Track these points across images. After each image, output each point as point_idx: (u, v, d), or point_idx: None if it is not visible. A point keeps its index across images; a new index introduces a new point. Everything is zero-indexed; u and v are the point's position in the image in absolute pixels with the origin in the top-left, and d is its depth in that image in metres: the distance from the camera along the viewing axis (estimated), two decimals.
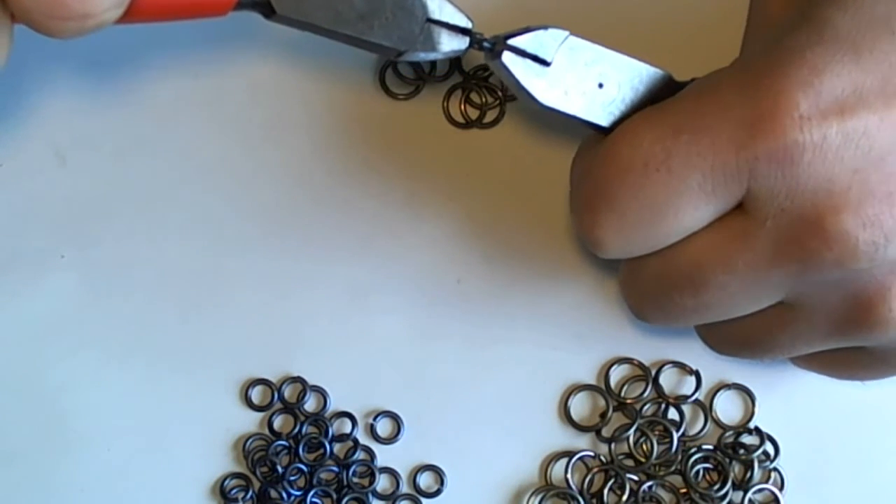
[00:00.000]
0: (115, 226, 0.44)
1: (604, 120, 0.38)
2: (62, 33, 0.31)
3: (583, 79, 0.37)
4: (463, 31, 0.37)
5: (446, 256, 0.44)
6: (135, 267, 0.44)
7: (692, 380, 0.44)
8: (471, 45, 0.37)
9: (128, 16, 0.32)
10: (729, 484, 0.43)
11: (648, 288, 0.39)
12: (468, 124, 0.44)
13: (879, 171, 0.33)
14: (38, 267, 0.44)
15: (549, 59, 0.37)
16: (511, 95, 0.44)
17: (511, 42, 0.37)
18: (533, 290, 0.44)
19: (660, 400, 0.44)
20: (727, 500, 0.43)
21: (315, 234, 0.44)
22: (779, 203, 0.34)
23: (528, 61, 0.37)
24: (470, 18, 0.37)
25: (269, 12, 0.35)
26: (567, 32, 0.37)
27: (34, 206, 0.44)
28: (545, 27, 0.37)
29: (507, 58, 0.37)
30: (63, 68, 0.44)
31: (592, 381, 0.44)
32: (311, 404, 0.44)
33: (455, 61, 0.44)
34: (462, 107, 0.44)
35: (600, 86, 0.38)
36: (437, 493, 0.44)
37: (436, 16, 0.36)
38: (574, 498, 0.43)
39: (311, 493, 0.43)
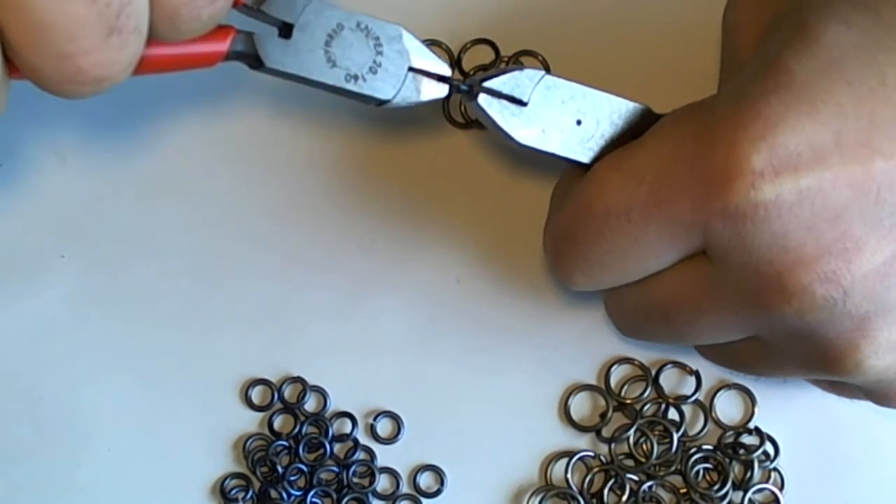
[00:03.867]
0: (115, 226, 0.44)
1: (583, 156, 0.38)
2: (78, 96, 0.31)
3: (560, 116, 0.38)
4: (442, 79, 0.38)
5: (446, 256, 0.44)
6: (135, 267, 0.44)
7: (692, 380, 0.44)
8: (450, 91, 0.38)
9: None
10: (729, 484, 0.43)
11: (628, 313, 0.40)
12: (468, 124, 0.44)
13: (835, 228, 0.32)
14: (38, 267, 0.44)
15: (525, 99, 0.37)
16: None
17: (486, 84, 0.37)
18: (533, 290, 0.44)
19: (660, 400, 0.44)
20: (727, 500, 0.43)
21: (315, 234, 0.44)
22: (737, 257, 0.34)
23: (505, 102, 0.37)
24: (450, 65, 0.38)
25: (255, 64, 0.36)
26: (543, 72, 0.38)
27: (34, 206, 0.44)
28: (521, 68, 0.38)
29: (483, 100, 0.37)
30: None
31: (592, 381, 0.44)
32: (311, 404, 0.44)
33: (456, 61, 0.44)
34: (462, 107, 0.44)
35: (578, 122, 0.38)
36: (437, 493, 0.44)
37: (418, 65, 0.37)
38: (574, 498, 0.43)
39: (311, 493, 0.43)
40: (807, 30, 0.34)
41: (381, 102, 0.37)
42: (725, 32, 0.39)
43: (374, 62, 0.37)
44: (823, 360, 0.35)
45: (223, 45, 0.35)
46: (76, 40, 0.29)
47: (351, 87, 0.37)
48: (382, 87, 0.37)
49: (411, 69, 0.37)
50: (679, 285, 0.36)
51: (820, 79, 0.33)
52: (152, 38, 0.32)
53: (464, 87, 0.38)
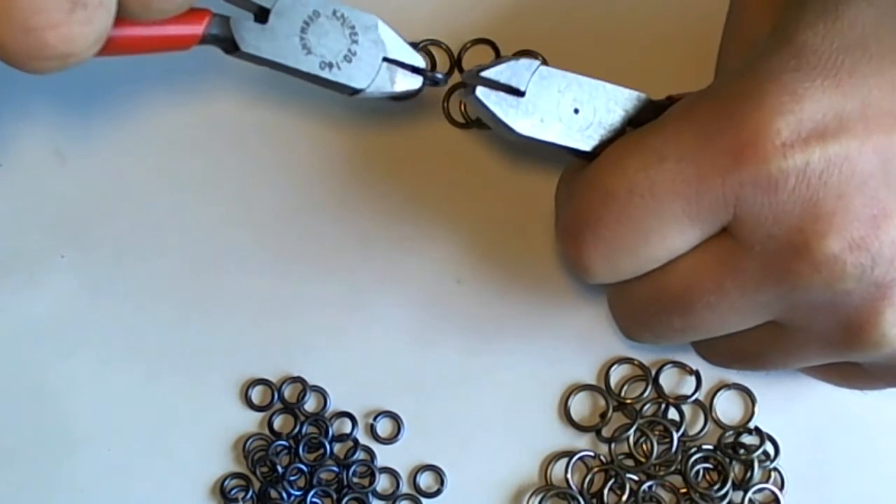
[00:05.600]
0: (115, 226, 0.44)
1: (584, 145, 0.38)
2: (43, 71, 0.31)
3: (557, 105, 0.38)
4: (416, 70, 0.38)
5: (446, 257, 0.44)
6: (135, 267, 0.44)
7: (692, 380, 0.44)
8: (424, 83, 0.38)
9: (100, 51, 0.32)
10: (729, 484, 0.43)
11: (637, 310, 0.39)
12: (468, 124, 0.44)
13: (863, 195, 0.33)
14: (38, 267, 0.44)
15: (522, 89, 0.37)
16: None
17: (484, 74, 0.37)
18: (533, 290, 0.44)
19: (660, 400, 0.44)
20: (727, 500, 0.43)
21: (315, 234, 0.44)
22: (766, 229, 0.34)
23: (502, 94, 0.37)
24: (423, 58, 0.38)
25: (231, 49, 0.36)
26: (538, 62, 0.38)
27: (34, 206, 0.44)
28: (516, 57, 0.38)
29: (481, 92, 0.37)
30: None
31: (592, 381, 0.44)
32: (311, 404, 0.44)
33: (456, 61, 0.44)
34: (462, 107, 0.44)
35: (576, 111, 0.38)
36: (437, 493, 0.44)
37: (392, 55, 0.37)
38: (574, 498, 0.43)
39: (311, 493, 0.43)
40: (827, 7, 0.34)
41: (355, 91, 0.37)
42: (732, 9, 0.40)
43: (349, 51, 0.37)
44: (847, 333, 0.35)
45: (199, 28, 0.35)
46: (41, 13, 0.29)
47: (325, 74, 0.37)
48: (357, 76, 0.37)
49: (386, 59, 0.37)
50: (700, 267, 0.36)
51: (842, 54, 0.34)
52: (126, 17, 0.32)
53: (440, 77, 0.38)
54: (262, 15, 0.36)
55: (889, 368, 0.38)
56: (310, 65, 0.36)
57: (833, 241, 0.33)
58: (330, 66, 0.37)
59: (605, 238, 0.36)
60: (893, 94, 0.33)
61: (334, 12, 0.36)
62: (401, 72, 0.38)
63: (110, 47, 0.33)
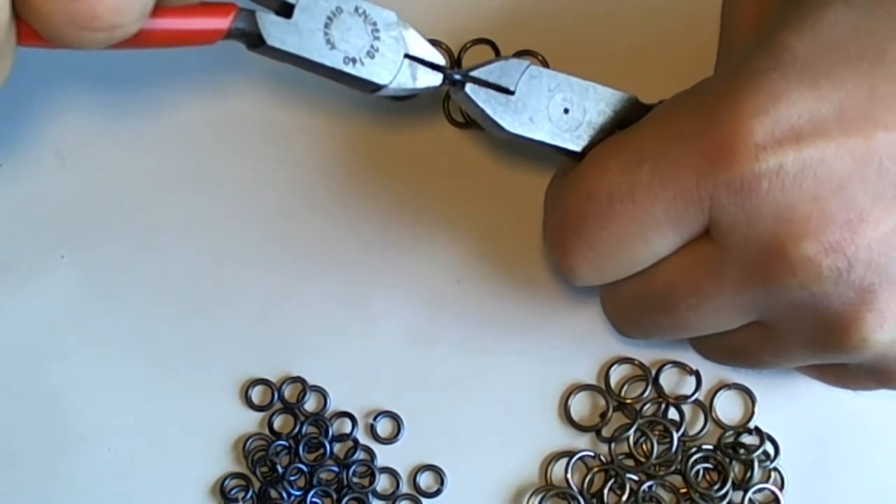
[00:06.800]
0: (115, 226, 0.44)
1: (574, 145, 0.38)
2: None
3: (547, 105, 0.38)
4: (435, 68, 0.38)
5: (446, 257, 0.44)
6: (135, 267, 0.44)
7: (692, 380, 0.44)
8: (444, 80, 0.38)
9: (126, 43, 0.32)
10: (729, 484, 0.43)
11: (626, 308, 0.40)
12: (468, 124, 0.44)
13: (839, 199, 0.33)
14: (38, 267, 0.44)
15: (512, 88, 0.38)
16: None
17: (473, 73, 0.38)
18: (533, 290, 0.44)
19: (660, 400, 0.44)
20: (727, 500, 0.43)
21: (315, 234, 0.44)
22: (741, 231, 0.34)
23: (492, 91, 0.38)
24: (443, 55, 0.39)
25: (256, 43, 0.36)
26: (528, 62, 0.38)
27: (34, 206, 0.44)
28: (506, 58, 0.38)
29: (471, 89, 0.38)
30: (63, 68, 0.44)
31: (592, 381, 0.44)
32: (311, 404, 0.44)
33: (456, 61, 0.44)
34: (462, 107, 0.44)
35: (566, 111, 0.38)
36: (437, 493, 0.44)
37: (413, 52, 0.37)
38: (574, 498, 0.43)
39: (311, 493, 0.43)
40: (808, 10, 0.34)
41: (377, 88, 0.37)
42: (725, 13, 0.39)
43: (372, 47, 0.37)
44: (829, 337, 0.35)
45: (225, 22, 0.35)
46: None
47: (349, 69, 0.37)
48: (379, 72, 0.37)
49: (407, 56, 0.37)
50: (681, 269, 0.36)
51: (821, 56, 0.33)
52: (160, 4, 0.32)
53: (458, 77, 0.38)
54: (284, 10, 0.36)
55: (874, 371, 0.37)
56: (334, 60, 0.36)
57: (808, 245, 0.33)
58: (353, 61, 0.37)
59: (588, 242, 0.36)
60: (871, 97, 0.33)
61: (356, 8, 0.36)
62: (421, 69, 0.38)
63: (138, 40, 0.33)
